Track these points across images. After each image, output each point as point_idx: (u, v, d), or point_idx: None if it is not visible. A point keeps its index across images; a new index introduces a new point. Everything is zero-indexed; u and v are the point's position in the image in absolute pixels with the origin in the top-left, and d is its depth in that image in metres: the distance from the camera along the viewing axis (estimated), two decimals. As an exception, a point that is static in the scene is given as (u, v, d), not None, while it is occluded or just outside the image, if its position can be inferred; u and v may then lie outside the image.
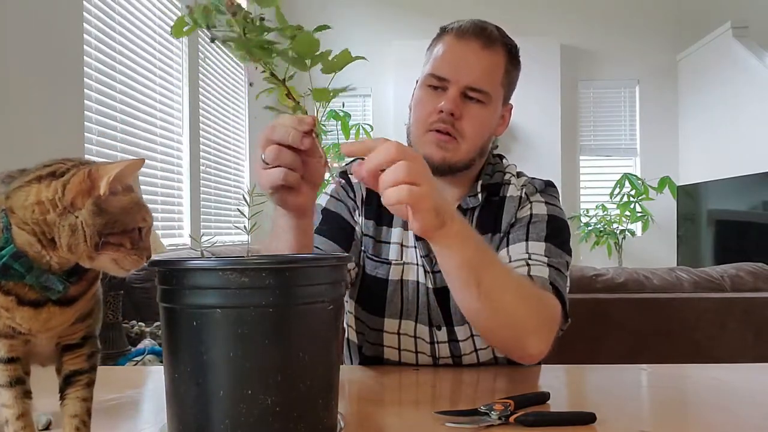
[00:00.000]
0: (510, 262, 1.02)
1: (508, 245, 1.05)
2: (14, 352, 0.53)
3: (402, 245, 1.12)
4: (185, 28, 0.64)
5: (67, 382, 0.56)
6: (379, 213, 1.13)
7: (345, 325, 1.22)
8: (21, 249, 0.49)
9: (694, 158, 5.29)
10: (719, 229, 4.58)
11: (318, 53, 0.66)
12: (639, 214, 4.99)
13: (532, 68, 5.55)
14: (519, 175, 1.17)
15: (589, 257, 5.12)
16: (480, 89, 1.05)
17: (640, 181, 4.97)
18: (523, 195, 1.11)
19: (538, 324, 0.91)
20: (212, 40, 0.63)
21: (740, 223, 4.31)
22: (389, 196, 0.71)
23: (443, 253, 0.83)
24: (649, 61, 5.49)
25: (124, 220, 0.51)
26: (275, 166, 0.73)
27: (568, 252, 1.07)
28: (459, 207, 1.11)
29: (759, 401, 0.85)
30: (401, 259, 1.11)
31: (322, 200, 1.18)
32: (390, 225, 1.13)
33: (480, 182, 1.12)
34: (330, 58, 0.68)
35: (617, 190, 5.00)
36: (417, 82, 1.15)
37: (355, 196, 1.17)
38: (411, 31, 5.25)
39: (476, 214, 1.11)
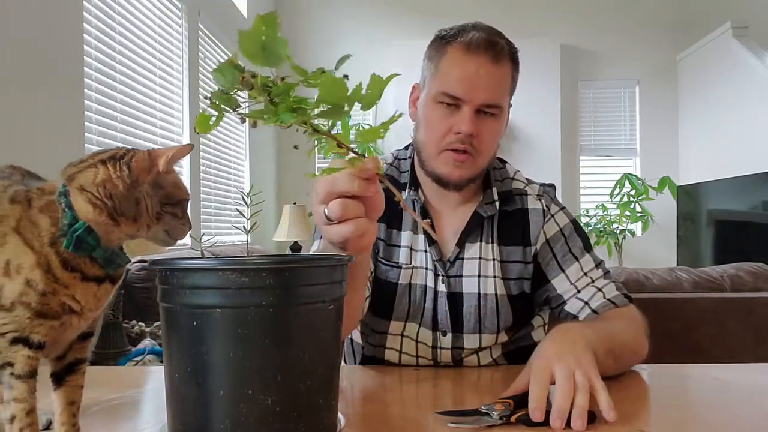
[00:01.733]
0: (578, 293, 1.08)
1: (563, 271, 1.10)
2: (49, 336, 0.55)
3: (411, 249, 1.11)
4: (212, 121, 0.60)
5: (69, 370, 0.59)
6: (389, 215, 1.12)
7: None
8: (91, 224, 0.55)
9: (694, 158, 5.29)
10: (719, 229, 4.58)
11: (350, 93, 0.58)
12: (639, 214, 5.00)
13: (532, 68, 5.57)
14: (528, 182, 1.19)
15: (589, 257, 5.12)
16: (494, 105, 1.05)
17: (640, 181, 4.97)
18: (545, 207, 1.14)
19: (644, 342, 1.03)
20: (243, 121, 0.59)
21: (740, 223, 4.31)
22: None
23: None
24: (649, 61, 5.49)
25: (176, 193, 0.60)
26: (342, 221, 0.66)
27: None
28: (476, 213, 1.12)
29: (759, 401, 0.85)
30: (411, 263, 1.11)
31: None
32: (400, 228, 1.13)
33: (495, 189, 1.14)
34: (363, 92, 0.59)
35: (617, 190, 5.00)
36: (419, 89, 1.13)
37: None
38: (411, 31, 5.25)
39: (495, 223, 1.12)
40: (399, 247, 1.12)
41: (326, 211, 0.66)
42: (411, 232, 1.12)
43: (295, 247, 4.03)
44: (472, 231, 1.11)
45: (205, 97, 0.61)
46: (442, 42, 1.08)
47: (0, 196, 0.55)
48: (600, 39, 5.49)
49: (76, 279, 0.55)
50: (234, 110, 0.60)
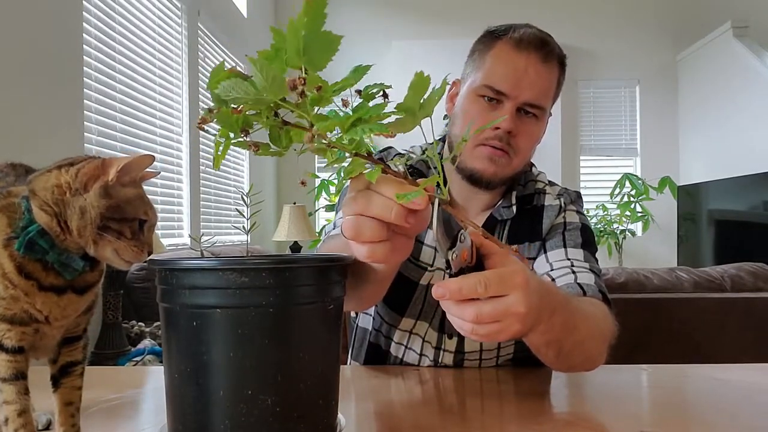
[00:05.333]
0: (552, 270, 1.02)
1: (545, 252, 1.06)
2: (24, 341, 0.54)
3: (435, 249, 1.08)
4: (220, 151, 0.52)
5: (63, 373, 0.59)
6: None
7: (360, 313, 1.19)
8: (45, 227, 0.53)
9: (694, 158, 5.29)
10: (719, 229, 4.57)
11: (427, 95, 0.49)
12: (639, 214, 4.99)
13: (532, 68, 5.57)
14: (551, 183, 1.16)
15: (589, 257, 5.12)
16: (538, 105, 1.02)
17: (640, 181, 4.97)
18: (562, 204, 1.11)
19: (604, 349, 0.89)
20: (254, 150, 0.50)
21: (740, 223, 4.30)
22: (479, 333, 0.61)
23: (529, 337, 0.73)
24: (649, 61, 5.49)
25: (126, 208, 0.55)
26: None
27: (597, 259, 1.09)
28: (491, 216, 1.09)
29: (759, 401, 0.85)
30: (434, 266, 1.08)
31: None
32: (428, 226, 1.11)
33: (515, 193, 1.10)
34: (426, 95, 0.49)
35: (617, 190, 5.00)
36: (459, 84, 1.10)
37: None
38: (411, 31, 5.25)
39: (508, 225, 1.10)
40: (423, 244, 1.08)
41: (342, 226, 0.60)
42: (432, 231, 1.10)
43: (295, 247, 4.03)
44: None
45: (200, 123, 0.53)
46: (491, 36, 1.05)
47: None
48: (600, 39, 5.49)
49: (33, 287, 0.53)
50: (247, 134, 0.51)
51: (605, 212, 5.12)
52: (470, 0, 5.27)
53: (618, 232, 5.06)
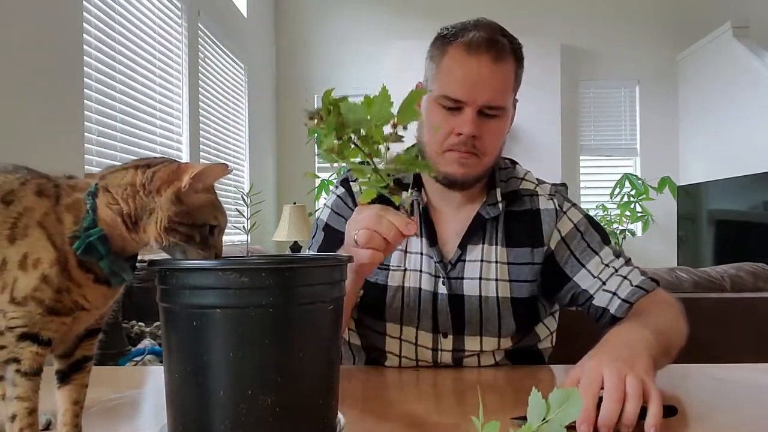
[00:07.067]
0: (595, 277, 1.07)
1: (583, 266, 1.08)
2: (59, 332, 0.55)
3: (405, 251, 1.10)
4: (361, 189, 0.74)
5: (74, 368, 0.58)
6: None
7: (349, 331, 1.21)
8: (105, 229, 0.54)
9: (694, 158, 5.29)
10: (719, 229, 4.57)
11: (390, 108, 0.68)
12: (639, 214, 4.99)
13: (532, 68, 5.53)
14: (539, 182, 1.17)
15: (589, 257, 5.11)
16: (496, 106, 1.03)
17: (640, 181, 4.97)
18: (558, 207, 1.12)
19: (686, 331, 1.00)
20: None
21: (740, 223, 4.30)
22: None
23: None
24: (649, 61, 5.49)
25: (195, 215, 0.57)
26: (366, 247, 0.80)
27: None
28: (478, 215, 1.10)
29: (759, 401, 0.85)
30: (402, 265, 1.10)
31: (324, 214, 1.19)
32: None
33: (498, 190, 1.11)
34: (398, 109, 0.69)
35: (617, 190, 4.99)
36: (423, 89, 1.10)
37: (354, 204, 1.15)
38: (411, 31, 5.24)
39: (500, 224, 1.10)
40: None
41: (356, 236, 0.80)
42: None
43: (295, 247, 4.03)
44: (474, 233, 1.10)
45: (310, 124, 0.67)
46: (443, 41, 1.06)
47: (19, 188, 0.55)
48: (600, 39, 5.49)
49: (89, 280, 0.55)
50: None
51: (605, 212, 5.12)
52: (470, 0, 5.27)
53: (618, 232, 5.06)
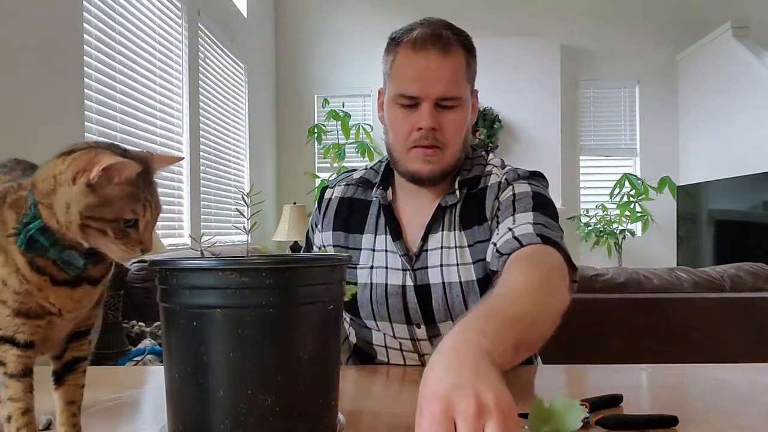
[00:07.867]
0: (498, 238, 1.00)
1: (498, 226, 1.04)
2: (36, 335, 0.53)
3: (373, 250, 1.13)
4: None
5: (67, 369, 0.57)
6: (348, 223, 1.16)
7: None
8: (47, 224, 0.51)
9: (694, 158, 5.29)
10: (719, 229, 4.57)
11: None
12: (639, 214, 4.99)
13: (532, 68, 5.58)
14: (503, 166, 1.16)
15: (588, 257, 5.12)
16: (451, 97, 1.05)
17: (640, 181, 4.97)
18: (503, 181, 1.10)
19: (564, 302, 0.83)
20: None
21: (740, 223, 4.30)
22: None
23: None
24: (649, 61, 5.49)
25: (107, 209, 0.51)
26: None
27: (559, 226, 1.04)
28: (438, 206, 1.11)
29: (759, 401, 0.85)
30: (369, 263, 1.13)
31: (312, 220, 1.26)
32: (361, 232, 1.15)
33: (458, 179, 1.12)
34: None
35: (617, 190, 5.00)
36: (383, 93, 1.14)
37: (325, 212, 1.20)
38: (411, 31, 5.24)
39: (457, 211, 1.11)
40: (359, 250, 1.14)
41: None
42: (372, 235, 1.14)
43: (295, 247, 4.03)
44: (435, 222, 1.11)
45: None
46: (393, 44, 1.10)
47: None
48: (600, 39, 5.49)
49: (46, 282, 0.52)
50: None
51: (605, 212, 5.12)
52: (470, 0, 5.27)
53: (617, 232, 5.06)
